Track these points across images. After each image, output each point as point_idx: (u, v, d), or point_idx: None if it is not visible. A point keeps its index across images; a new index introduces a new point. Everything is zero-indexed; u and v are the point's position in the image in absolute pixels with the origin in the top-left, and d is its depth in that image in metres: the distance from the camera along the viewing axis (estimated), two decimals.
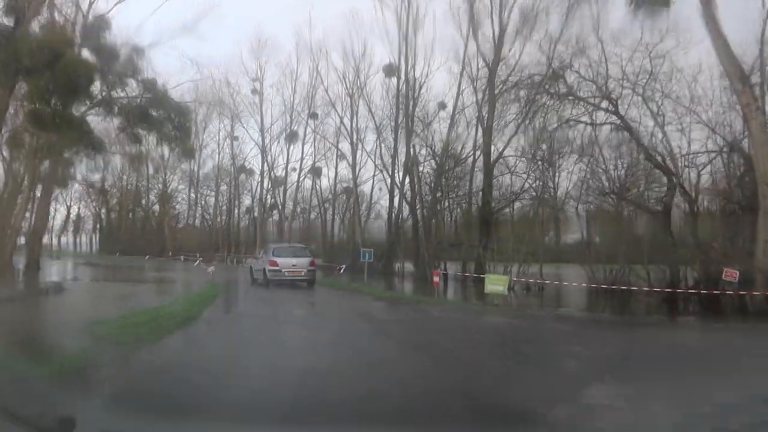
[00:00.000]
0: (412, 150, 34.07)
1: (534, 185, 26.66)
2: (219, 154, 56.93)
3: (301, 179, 49.94)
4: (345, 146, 44.43)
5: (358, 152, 40.80)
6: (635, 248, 23.25)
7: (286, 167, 50.02)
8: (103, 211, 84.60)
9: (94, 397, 3.89)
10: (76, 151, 26.05)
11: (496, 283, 17.06)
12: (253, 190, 54.21)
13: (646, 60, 19.68)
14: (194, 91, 40.21)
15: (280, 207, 50.31)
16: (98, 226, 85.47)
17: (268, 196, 52.31)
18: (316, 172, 49.26)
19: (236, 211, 56.00)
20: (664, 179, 20.04)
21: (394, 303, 17.30)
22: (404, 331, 10.88)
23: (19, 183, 38.80)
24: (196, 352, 8.75)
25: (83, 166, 52.19)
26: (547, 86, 20.99)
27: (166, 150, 54.79)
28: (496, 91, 29.11)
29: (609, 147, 20.32)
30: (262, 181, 51.23)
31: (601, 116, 20.53)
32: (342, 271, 26.66)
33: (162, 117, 23.74)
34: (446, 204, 31.66)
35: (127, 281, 24.65)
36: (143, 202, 71.50)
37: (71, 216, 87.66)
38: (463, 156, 32.08)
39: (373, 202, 43.27)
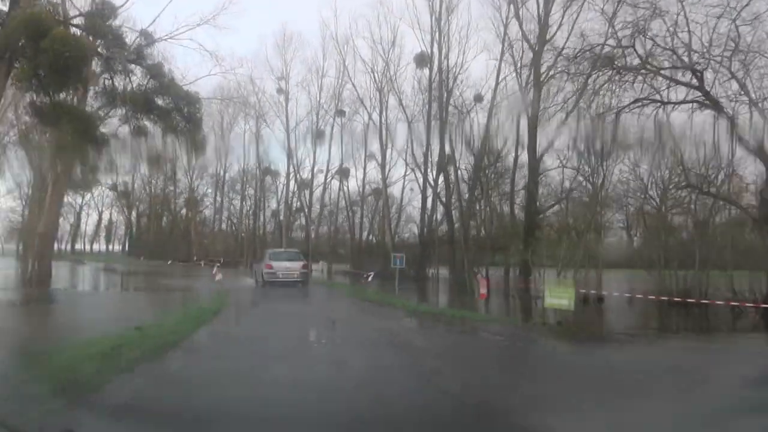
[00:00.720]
0: (448, 145, 30.71)
1: (590, 180, 22.84)
2: (245, 156, 54.45)
3: (328, 181, 46.98)
4: (374, 146, 41.38)
5: (388, 151, 37.59)
6: (715, 252, 19.46)
7: (313, 169, 47.07)
8: (134, 216, 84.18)
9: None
10: (79, 146, 23.46)
11: (559, 296, 13.50)
12: (279, 194, 51.48)
13: (733, 27, 16.00)
14: (218, 92, 37.98)
15: (306, 210, 47.37)
16: (129, 231, 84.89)
17: (294, 199, 49.47)
18: (343, 173, 46.22)
19: (262, 214, 53.31)
20: (760, 167, 16.22)
21: (433, 321, 13.82)
22: (456, 372, 7.28)
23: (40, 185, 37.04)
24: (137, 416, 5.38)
25: (106, 169, 50.71)
26: (613, 56, 17.27)
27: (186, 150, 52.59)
28: (543, 75, 25.57)
29: (689, 130, 16.47)
30: (287, 184, 48.40)
31: (679, 94, 16.76)
32: (370, 278, 23.37)
33: (169, 106, 20.80)
34: (484, 205, 28.01)
35: (131, 289, 21.84)
36: (172, 206, 69.84)
37: (103, 221, 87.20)
38: (504, 151, 28.55)
39: (403, 204, 39.97)
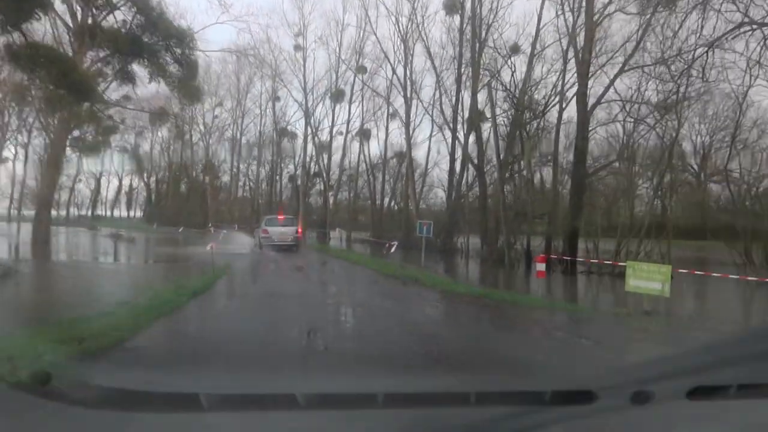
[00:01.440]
0: (481, 99, 26.74)
1: (660, 134, 18.84)
2: (261, 118, 50.97)
3: (347, 143, 43.35)
4: (398, 103, 37.53)
5: (413, 108, 33.69)
6: None
7: (331, 131, 43.42)
8: (153, 181, 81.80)
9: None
10: (63, 96, 20.22)
11: (648, 276, 9.86)
12: (296, 158, 48.02)
13: None
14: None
15: (324, 175, 43.86)
16: (149, 197, 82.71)
17: (312, 164, 45.99)
18: (364, 134, 42.52)
19: (279, 179, 50.02)
20: None
21: (478, 307, 10.22)
22: None
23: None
24: None
25: (111, 131, 47.70)
26: None
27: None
28: (596, 14, 21.40)
29: None
30: (305, 147, 44.79)
31: None
32: (393, 249, 20.01)
33: (158, 45, 17.27)
34: (523, 165, 24.10)
35: (121, 259, 18.73)
36: (190, 172, 67.03)
37: (124, 188, 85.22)
38: (548, 102, 24.51)
39: (428, 168, 36.22)
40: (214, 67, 58.15)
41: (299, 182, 45.71)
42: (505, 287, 13.88)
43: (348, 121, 42.65)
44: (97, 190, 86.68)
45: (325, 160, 43.84)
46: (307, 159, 45.22)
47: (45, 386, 1.67)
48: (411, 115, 33.40)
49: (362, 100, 41.90)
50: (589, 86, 22.10)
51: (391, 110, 39.24)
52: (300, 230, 25.38)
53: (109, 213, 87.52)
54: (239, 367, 4.56)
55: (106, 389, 1.78)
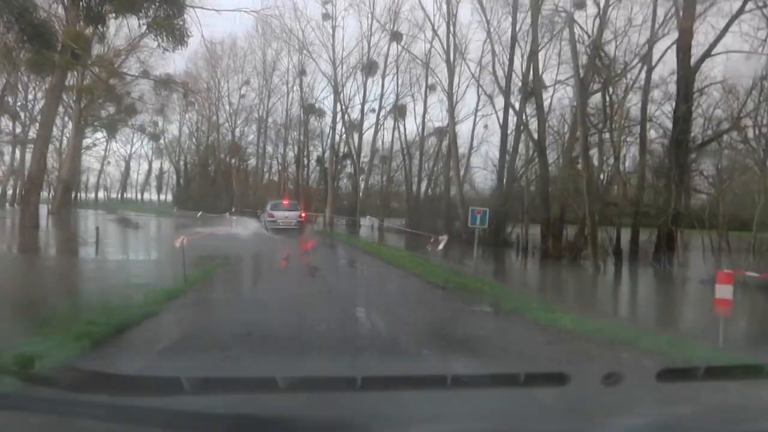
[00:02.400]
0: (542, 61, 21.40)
1: None
2: (288, 96, 46.36)
3: (380, 121, 38.38)
4: (438, 73, 32.45)
5: (456, 76, 28.47)
6: None
7: (363, 107, 38.50)
8: (182, 164, 78.60)
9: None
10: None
11: None
12: (324, 138, 43.33)
13: None
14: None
15: (354, 156, 39.03)
16: (178, 180, 79.70)
17: (342, 144, 41.25)
18: (399, 111, 37.46)
19: (306, 162, 45.39)
20: None
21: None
22: None
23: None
24: None
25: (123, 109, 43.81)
26: None
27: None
28: None
29: None
30: (333, 126, 39.98)
31: None
32: (441, 245, 15.03)
33: None
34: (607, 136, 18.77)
35: (99, 251, 14.34)
36: (219, 155, 63.23)
37: (154, 171, 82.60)
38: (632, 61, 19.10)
39: (473, 147, 31.00)
40: (240, 44, 54.35)
41: (327, 165, 41.06)
42: (665, 321, 8.65)
43: (381, 97, 37.67)
44: (126, 173, 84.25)
45: (356, 141, 39.05)
46: (336, 139, 40.56)
47: (28, 370, 1.66)
48: (454, 85, 28.25)
49: (397, 72, 36.90)
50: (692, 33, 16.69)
51: (430, 81, 34.17)
52: (304, 215, 25.24)
53: (139, 196, 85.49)
54: None
55: (90, 373, 1.72)
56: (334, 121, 39.96)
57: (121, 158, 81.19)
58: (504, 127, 24.63)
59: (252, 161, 58.27)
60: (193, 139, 72.43)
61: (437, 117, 33.64)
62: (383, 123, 38.21)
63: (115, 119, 41.28)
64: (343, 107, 38.89)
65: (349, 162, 41.04)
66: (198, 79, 61.91)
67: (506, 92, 23.87)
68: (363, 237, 23.94)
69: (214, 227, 21.06)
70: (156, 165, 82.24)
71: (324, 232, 27.97)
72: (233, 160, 58.47)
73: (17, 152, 49.20)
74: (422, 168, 33.65)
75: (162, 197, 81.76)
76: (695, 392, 2.05)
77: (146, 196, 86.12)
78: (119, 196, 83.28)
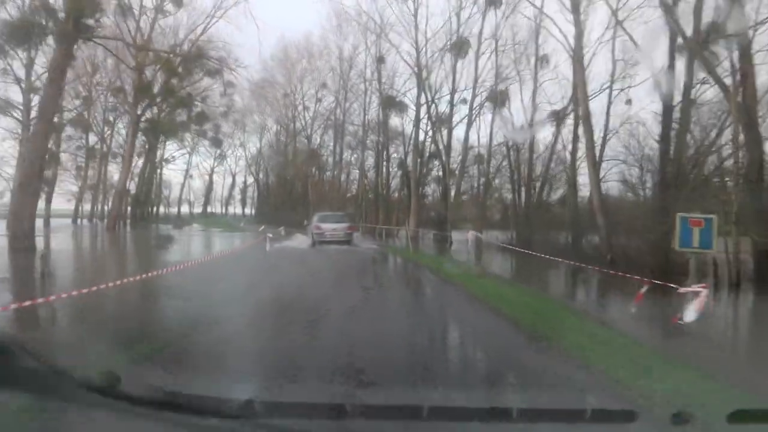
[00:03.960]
0: None
1: None
2: (366, 95, 39.55)
3: (474, 111, 30.40)
4: (549, 45, 24.17)
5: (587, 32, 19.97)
6: None
7: (452, 97, 30.72)
8: (262, 176, 74.85)
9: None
10: None
11: None
12: (407, 138, 35.97)
13: None
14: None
15: (443, 156, 31.24)
16: (260, 193, 76.10)
17: (427, 143, 33.69)
18: (498, 98, 29.34)
19: (386, 165, 38.21)
20: None
21: None
22: None
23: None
24: None
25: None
26: None
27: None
28: None
29: None
30: (417, 120, 32.51)
31: None
32: (643, 292, 7.01)
33: None
34: None
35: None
36: (296, 165, 58.01)
37: (238, 184, 79.80)
38: None
39: (607, 135, 22.09)
40: (315, 42, 48.59)
41: (410, 167, 33.61)
42: None
43: (475, 82, 29.71)
44: (209, 187, 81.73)
45: (445, 138, 31.28)
46: (421, 138, 33.03)
47: (114, 388, 1.65)
48: (581, 48, 19.73)
49: (495, 48, 28.83)
50: None
51: (539, 55, 25.88)
52: (353, 227, 23.33)
53: (222, 210, 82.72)
54: None
55: (170, 393, 1.78)
56: (417, 116, 32.48)
57: (205, 172, 79.36)
58: (667, 97, 15.77)
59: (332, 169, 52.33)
60: (272, 151, 68.50)
61: (554, 94, 25.13)
62: (478, 113, 30.22)
63: (174, 123, 36.58)
64: (429, 98, 31.37)
65: (436, 163, 33.37)
66: (274, 84, 57.72)
67: (669, 47, 15.09)
68: (466, 264, 15.86)
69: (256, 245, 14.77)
70: (240, 179, 79.40)
71: (405, 251, 20.33)
72: (313, 169, 52.77)
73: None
74: (532, 165, 25.14)
75: (246, 211, 78.77)
76: None
77: (230, 209, 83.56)
78: (203, 210, 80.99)
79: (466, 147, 30.13)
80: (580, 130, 19.30)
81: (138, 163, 47.15)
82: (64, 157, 43.76)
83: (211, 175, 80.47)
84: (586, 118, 17.66)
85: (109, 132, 46.09)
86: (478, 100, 29.91)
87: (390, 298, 9.22)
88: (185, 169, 71.21)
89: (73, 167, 47.49)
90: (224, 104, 40.25)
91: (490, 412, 2.05)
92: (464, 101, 32.13)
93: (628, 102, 21.45)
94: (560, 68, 24.47)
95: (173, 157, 61.35)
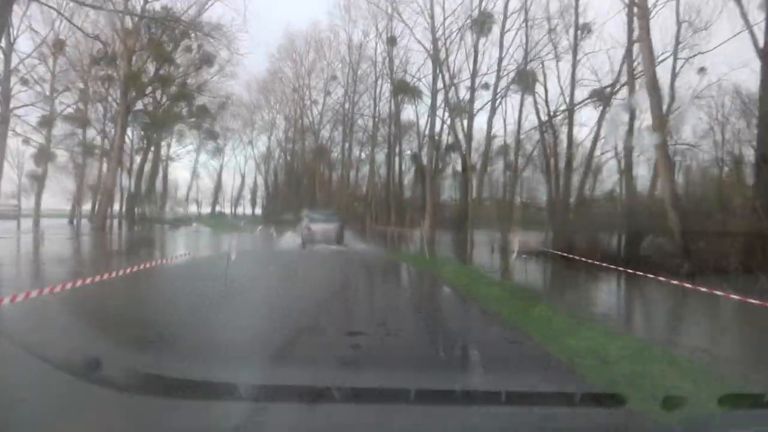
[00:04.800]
0: None
1: None
2: (376, 86, 35.61)
3: (497, 97, 26.22)
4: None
5: None
6: None
7: (472, 80, 26.58)
8: (272, 175, 71.37)
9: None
10: None
11: None
12: (421, 127, 31.87)
13: None
14: None
15: (463, 147, 27.12)
16: (267, 192, 72.71)
17: (445, 133, 29.63)
18: (529, 78, 25.10)
19: (399, 160, 34.14)
20: None
21: None
22: None
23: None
24: None
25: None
26: None
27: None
28: None
29: None
30: (433, 106, 28.46)
31: None
32: None
33: None
34: None
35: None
36: (304, 162, 54.31)
37: (247, 184, 76.32)
38: None
39: (669, 111, 17.76)
40: (323, 28, 44.89)
41: (424, 160, 29.54)
42: None
43: (500, 62, 25.55)
44: (217, 186, 78.26)
45: (465, 127, 27.13)
46: (437, 128, 28.96)
47: (95, 372, 1.62)
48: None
49: (525, 20, 24.59)
50: None
51: (580, 24, 21.65)
52: (343, 226, 22.20)
53: (232, 210, 79.35)
54: None
55: (152, 376, 1.75)
56: (433, 103, 28.38)
57: (215, 171, 75.91)
58: None
59: (340, 167, 48.41)
60: (279, 148, 65.06)
61: (595, 73, 20.84)
62: (503, 97, 25.97)
63: (169, 115, 32.98)
64: (446, 83, 27.27)
65: (455, 156, 29.23)
66: (281, 77, 54.07)
67: None
68: (507, 283, 11.62)
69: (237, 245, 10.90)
70: (250, 179, 76.11)
71: (419, 259, 16.18)
72: (321, 167, 48.96)
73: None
74: (571, 154, 20.83)
75: (257, 211, 75.35)
76: (757, 418, 1.81)
77: (240, 210, 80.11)
78: (212, 210, 77.59)
79: (490, 136, 25.97)
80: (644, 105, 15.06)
81: (136, 159, 43.79)
82: (60, 154, 40.45)
83: (219, 174, 76.99)
84: (653, 86, 13.41)
85: (112, 128, 42.83)
86: (503, 83, 25.78)
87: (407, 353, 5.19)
88: (193, 168, 68.07)
89: (71, 165, 44.27)
90: (223, 95, 36.47)
91: (481, 395, 2.10)
92: (486, 86, 28.09)
93: (702, 71, 17.15)
94: (605, 38, 20.27)
95: (178, 155, 58.13)
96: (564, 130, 19.99)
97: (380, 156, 39.11)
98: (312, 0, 79.54)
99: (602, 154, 19.34)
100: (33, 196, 35.60)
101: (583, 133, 33.17)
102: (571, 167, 19.59)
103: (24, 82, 33.67)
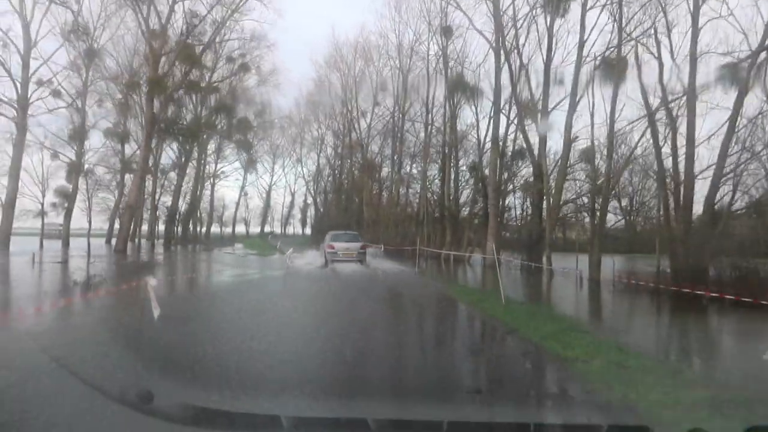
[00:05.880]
0: None
1: None
2: (429, 87, 31.10)
3: (580, 90, 20.91)
4: None
5: None
6: None
7: (546, 69, 21.43)
8: (320, 193, 68.02)
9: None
10: None
11: None
12: (482, 132, 26.87)
13: None
14: None
15: (535, 152, 21.89)
16: (317, 211, 69.37)
17: (510, 137, 24.53)
18: (615, 65, 19.71)
19: (454, 171, 29.13)
20: None
21: None
22: None
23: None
24: None
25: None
26: None
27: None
28: None
29: None
30: (496, 108, 23.50)
31: None
32: None
33: None
34: None
35: None
36: (352, 178, 50.44)
37: (297, 203, 73.89)
38: None
39: None
40: (371, 37, 41.27)
41: (486, 170, 24.45)
42: None
43: (580, 46, 20.32)
44: (266, 206, 75.59)
45: (538, 124, 21.89)
46: (501, 131, 23.89)
47: (148, 404, 1.65)
48: None
49: None
50: None
51: None
52: (365, 246, 21.97)
53: (282, 230, 76.65)
54: None
55: (202, 409, 1.80)
56: (496, 100, 23.40)
57: (264, 190, 73.40)
58: None
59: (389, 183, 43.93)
60: (328, 165, 61.78)
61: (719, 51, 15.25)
62: (585, 89, 20.61)
63: (197, 123, 29.50)
64: (514, 72, 22.25)
65: (526, 163, 23.99)
66: (330, 89, 50.66)
67: None
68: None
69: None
70: (300, 198, 73.62)
71: (488, 299, 10.95)
72: (370, 183, 44.71)
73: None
74: (692, 155, 15.14)
75: (307, 230, 72.24)
76: None
77: (289, 229, 77.09)
78: (261, 229, 74.90)
79: (569, 138, 20.59)
80: None
81: (171, 176, 40.99)
82: (99, 171, 38.19)
83: (268, 193, 74.35)
84: None
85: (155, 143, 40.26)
86: (585, 72, 20.47)
87: None
88: (241, 186, 65.53)
89: (111, 183, 42.07)
90: (260, 102, 32.97)
91: (512, 427, 2.10)
92: (560, 83, 22.92)
93: None
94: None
95: (223, 172, 55.58)
96: (681, 121, 14.47)
97: (433, 170, 34.45)
98: (358, 2, 75.71)
99: (743, 150, 13.67)
100: (62, 213, 33.17)
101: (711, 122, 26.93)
102: (691, 173, 14.03)
103: (56, 94, 31.42)
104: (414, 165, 37.14)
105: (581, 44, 20.22)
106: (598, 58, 19.31)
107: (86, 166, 36.10)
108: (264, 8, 29.75)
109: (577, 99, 20.58)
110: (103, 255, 23.09)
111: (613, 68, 18.94)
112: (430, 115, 31.64)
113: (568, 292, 14.18)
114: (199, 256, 25.89)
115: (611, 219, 18.04)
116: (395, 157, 37.96)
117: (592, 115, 18.60)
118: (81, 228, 41.01)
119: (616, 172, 17.15)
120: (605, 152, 18.32)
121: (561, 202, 21.10)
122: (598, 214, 17.88)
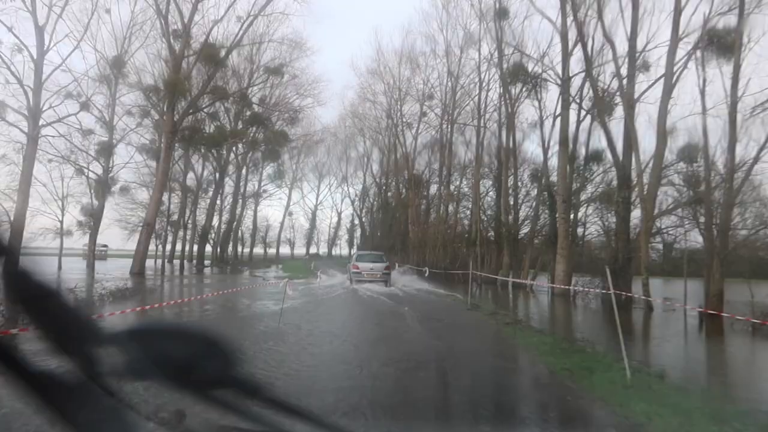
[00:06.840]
0: None
1: None
2: (481, 87, 26.92)
3: (676, 74, 16.14)
4: None
5: None
6: None
7: (631, 52, 16.80)
8: (365, 213, 64.47)
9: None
10: None
11: None
12: (546, 133, 22.25)
13: None
14: None
15: (619, 154, 17.14)
16: (363, 232, 65.84)
17: (583, 134, 19.84)
18: (726, 48, 14.90)
19: (514, 181, 24.50)
20: None
21: None
22: None
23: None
24: None
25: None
26: None
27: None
28: None
29: None
30: (565, 100, 18.98)
31: None
32: None
33: None
34: None
35: None
36: (398, 196, 46.50)
37: (344, 223, 70.96)
38: None
39: None
40: (418, 44, 37.61)
41: (552, 176, 19.85)
42: None
43: (676, 19, 15.59)
44: (312, 226, 72.66)
45: (628, 123, 17.22)
46: (571, 127, 19.26)
47: (180, 424, 1.37)
48: None
49: None
50: None
51: None
52: (389, 266, 21.69)
53: (328, 251, 73.60)
54: None
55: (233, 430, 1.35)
56: (564, 91, 18.86)
57: (310, 210, 70.69)
58: None
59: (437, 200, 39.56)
60: (375, 183, 58.14)
61: None
62: (680, 73, 15.79)
63: (222, 132, 26.47)
64: (590, 54, 17.72)
65: (599, 168, 19.21)
66: (374, 99, 47.30)
67: None
68: None
69: None
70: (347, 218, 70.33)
71: (582, 362, 6.51)
72: (416, 200, 40.55)
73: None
74: None
75: (353, 251, 68.67)
76: None
77: (335, 251, 73.78)
78: (306, 250, 71.92)
79: (664, 134, 15.74)
80: None
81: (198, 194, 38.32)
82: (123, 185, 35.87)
83: (314, 213, 71.40)
84: None
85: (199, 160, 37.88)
86: (680, 55, 15.71)
87: None
88: (286, 205, 62.85)
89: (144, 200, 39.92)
90: (292, 109, 29.70)
91: None
92: (645, 67, 18.29)
93: None
94: None
95: (265, 191, 52.92)
96: None
97: (487, 185, 30.01)
98: (401, 4, 71.23)
99: None
100: (88, 233, 30.89)
101: None
102: None
103: (84, 106, 29.32)
104: (464, 181, 32.88)
105: (675, 20, 15.55)
106: (710, 22, 14.54)
107: (119, 183, 33.66)
108: (298, 6, 26.39)
109: (673, 81, 15.87)
110: (107, 278, 19.92)
111: (728, 35, 14.19)
112: (482, 119, 27.37)
113: (700, 343, 9.40)
114: (209, 280, 22.40)
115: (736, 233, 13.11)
116: (443, 170, 33.72)
117: (702, 95, 13.80)
118: (126, 249, 38.71)
119: (747, 170, 12.28)
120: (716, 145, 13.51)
121: (654, 213, 16.21)
122: (716, 227, 13.00)
